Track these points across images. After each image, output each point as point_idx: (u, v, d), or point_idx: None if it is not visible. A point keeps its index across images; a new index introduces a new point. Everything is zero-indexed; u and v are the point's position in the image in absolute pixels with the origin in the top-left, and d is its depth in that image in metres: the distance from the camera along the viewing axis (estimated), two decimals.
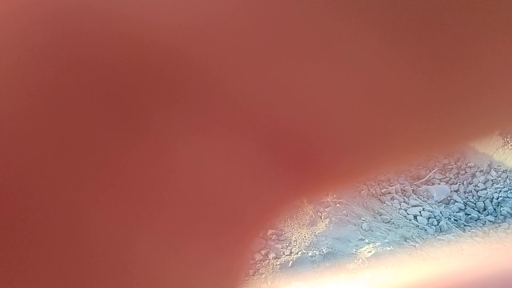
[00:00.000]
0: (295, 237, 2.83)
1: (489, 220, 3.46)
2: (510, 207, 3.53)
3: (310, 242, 2.80)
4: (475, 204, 3.61)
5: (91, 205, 0.12)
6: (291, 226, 2.86)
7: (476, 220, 3.46)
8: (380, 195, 3.43)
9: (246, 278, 0.15)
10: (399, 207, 3.37)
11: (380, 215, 3.20)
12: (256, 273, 2.64)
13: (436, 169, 3.80)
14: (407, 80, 0.12)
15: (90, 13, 0.11)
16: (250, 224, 0.14)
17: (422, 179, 3.70)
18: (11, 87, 0.11)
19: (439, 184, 3.73)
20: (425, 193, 3.60)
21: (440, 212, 3.38)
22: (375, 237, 2.92)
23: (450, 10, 0.11)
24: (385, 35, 0.12)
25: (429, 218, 3.29)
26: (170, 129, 0.12)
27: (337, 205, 3.05)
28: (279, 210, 0.14)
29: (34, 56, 0.11)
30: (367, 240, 2.87)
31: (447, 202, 3.60)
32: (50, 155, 0.12)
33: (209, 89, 0.12)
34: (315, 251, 2.75)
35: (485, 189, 3.71)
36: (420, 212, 3.33)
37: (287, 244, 2.79)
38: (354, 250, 2.78)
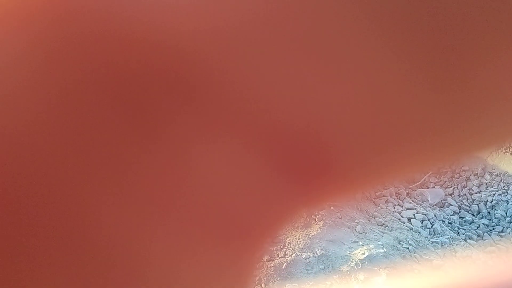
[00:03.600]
0: (289, 240, 2.83)
1: (483, 223, 3.47)
2: (504, 210, 3.55)
3: (304, 245, 2.81)
4: (469, 207, 3.63)
5: (105, 210, 0.12)
6: (286, 229, 2.87)
7: (470, 223, 3.48)
8: (374, 198, 3.44)
9: (255, 284, 0.15)
10: (393, 210, 3.39)
11: (374, 218, 3.21)
12: (253, 278, 2.64)
13: (430, 172, 3.82)
14: (412, 92, 0.12)
15: (101, 16, 0.11)
16: (260, 232, 0.14)
17: (416, 182, 3.72)
18: (26, 89, 0.11)
19: (433, 187, 3.75)
20: (419, 196, 3.62)
21: (434, 215, 3.40)
22: (369, 239, 2.93)
23: (460, 25, 0.11)
24: (393, 48, 0.11)
25: (423, 220, 3.31)
26: (183, 136, 0.12)
27: (332, 207, 3.06)
28: (287, 218, 0.14)
29: (47, 58, 0.11)
30: (361, 243, 2.87)
31: (441, 205, 3.61)
32: (64, 157, 0.12)
33: (221, 96, 0.12)
34: (309, 253, 2.76)
35: (479, 193, 3.73)
36: (414, 215, 3.35)
37: (281, 246, 2.79)
38: (348, 252, 2.79)
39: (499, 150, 3.83)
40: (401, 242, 2.99)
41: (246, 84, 0.12)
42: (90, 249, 0.12)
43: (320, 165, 0.13)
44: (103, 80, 0.11)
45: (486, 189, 3.75)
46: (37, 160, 0.11)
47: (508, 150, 3.83)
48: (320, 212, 2.99)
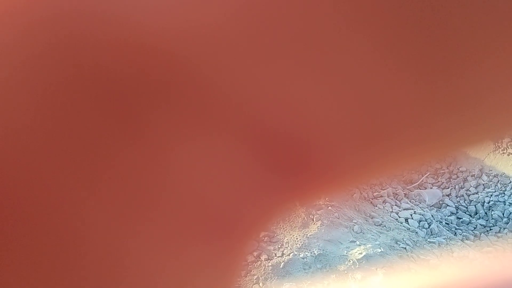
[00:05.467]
0: (287, 239, 2.82)
1: (480, 224, 3.47)
2: (501, 211, 3.54)
3: (302, 244, 2.80)
4: (466, 208, 3.62)
5: (87, 207, 0.12)
6: (283, 228, 2.86)
7: (467, 224, 3.47)
8: (372, 199, 3.43)
9: (240, 280, 0.15)
10: (390, 210, 3.38)
11: (372, 218, 3.21)
12: (248, 274, 2.63)
13: (428, 173, 3.81)
14: (403, 85, 0.12)
15: (88, 17, 0.11)
16: (246, 227, 0.14)
17: (414, 183, 3.71)
18: (11, 89, 0.11)
19: (431, 188, 3.74)
20: (417, 197, 3.61)
21: (432, 216, 3.39)
22: (366, 239, 2.92)
23: (448, 17, 0.11)
24: (381, 40, 0.12)
25: (420, 221, 3.30)
26: (167, 132, 0.12)
27: (329, 207, 3.05)
28: (274, 214, 0.14)
29: (32, 58, 0.11)
30: (358, 242, 2.87)
31: (439, 206, 3.60)
32: (48, 156, 0.12)
33: (206, 93, 0.12)
34: (306, 253, 2.75)
35: (476, 193, 3.72)
36: (411, 215, 3.34)
37: (279, 246, 2.78)
38: (345, 252, 2.79)
39: (497, 151, 3.83)
40: (398, 242, 2.98)
41: (233, 80, 0.12)
42: (73, 246, 0.12)
43: (307, 160, 0.13)
44: (87, 80, 0.11)
45: (484, 190, 3.74)
46: (18, 158, 0.11)
47: (505, 151, 3.83)
48: (318, 212, 2.98)
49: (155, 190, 0.12)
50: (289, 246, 2.78)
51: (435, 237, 3.17)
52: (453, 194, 3.72)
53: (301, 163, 0.13)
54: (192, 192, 0.13)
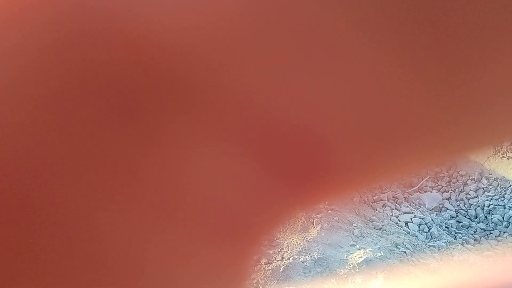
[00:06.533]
0: (287, 243, 2.82)
1: (480, 228, 3.47)
2: (501, 215, 3.54)
3: (302, 248, 2.80)
4: (466, 211, 3.62)
5: (102, 212, 0.12)
6: (283, 232, 2.86)
7: (467, 228, 3.47)
8: (372, 202, 3.43)
9: (249, 286, 0.15)
10: (390, 214, 3.38)
11: (372, 222, 3.21)
12: (248, 278, 2.62)
13: (428, 177, 3.81)
14: (408, 92, 0.12)
15: (100, 14, 0.11)
16: (255, 233, 0.14)
17: (414, 187, 3.71)
18: (22, 90, 0.11)
19: (431, 192, 3.74)
20: (417, 200, 3.61)
21: (431, 219, 3.39)
22: (366, 243, 2.92)
23: (454, 26, 0.12)
24: (387, 48, 0.12)
25: (420, 224, 3.30)
26: (178, 136, 0.12)
27: (329, 211, 3.05)
28: (281, 218, 0.14)
29: (43, 58, 0.11)
30: (358, 246, 2.87)
31: (439, 209, 3.60)
32: (59, 160, 0.12)
33: (216, 99, 0.12)
34: (306, 257, 2.75)
35: (476, 197, 3.72)
36: (411, 219, 3.34)
37: (279, 250, 2.78)
38: (345, 255, 2.78)
39: (496, 155, 3.83)
40: (398, 246, 2.98)
41: (243, 85, 0.12)
42: (86, 250, 0.12)
43: (315, 166, 0.13)
44: (98, 80, 0.11)
45: (483, 193, 3.74)
46: (31, 163, 0.11)
47: (505, 155, 3.83)
48: (317, 215, 2.98)
49: (166, 196, 0.12)
50: (289, 249, 2.78)
51: (435, 241, 3.16)
52: (453, 198, 3.72)
53: (307, 169, 0.13)
54: (202, 198, 0.13)
